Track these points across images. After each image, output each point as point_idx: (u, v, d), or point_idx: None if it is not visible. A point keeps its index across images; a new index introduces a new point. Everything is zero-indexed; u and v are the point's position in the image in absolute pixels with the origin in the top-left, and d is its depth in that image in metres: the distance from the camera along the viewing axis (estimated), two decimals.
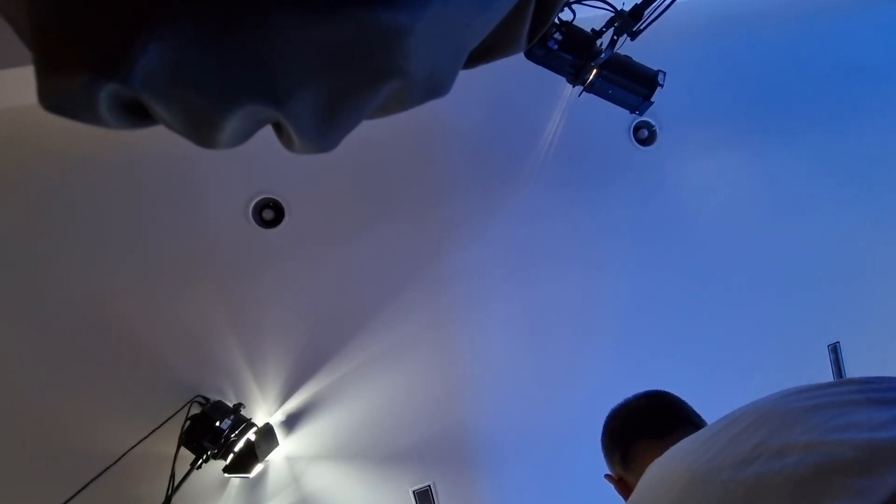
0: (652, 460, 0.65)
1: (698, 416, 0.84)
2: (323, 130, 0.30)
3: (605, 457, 0.85)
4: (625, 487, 0.79)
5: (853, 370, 2.55)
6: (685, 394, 0.83)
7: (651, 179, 2.39)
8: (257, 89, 0.25)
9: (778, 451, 0.43)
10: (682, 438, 0.74)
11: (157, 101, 0.25)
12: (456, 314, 2.23)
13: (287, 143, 0.33)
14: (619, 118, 2.27)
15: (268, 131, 0.37)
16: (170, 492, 1.64)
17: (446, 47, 0.29)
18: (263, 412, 2.05)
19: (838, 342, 2.54)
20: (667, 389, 0.89)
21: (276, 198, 2.09)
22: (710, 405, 0.80)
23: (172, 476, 1.68)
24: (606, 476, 0.83)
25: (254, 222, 2.06)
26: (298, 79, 0.26)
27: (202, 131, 0.28)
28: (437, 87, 0.31)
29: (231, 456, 1.81)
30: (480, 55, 0.35)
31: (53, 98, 0.24)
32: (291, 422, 2.09)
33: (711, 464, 0.48)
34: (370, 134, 2.01)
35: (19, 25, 0.24)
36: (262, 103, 0.26)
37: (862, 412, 0.44)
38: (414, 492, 2.18)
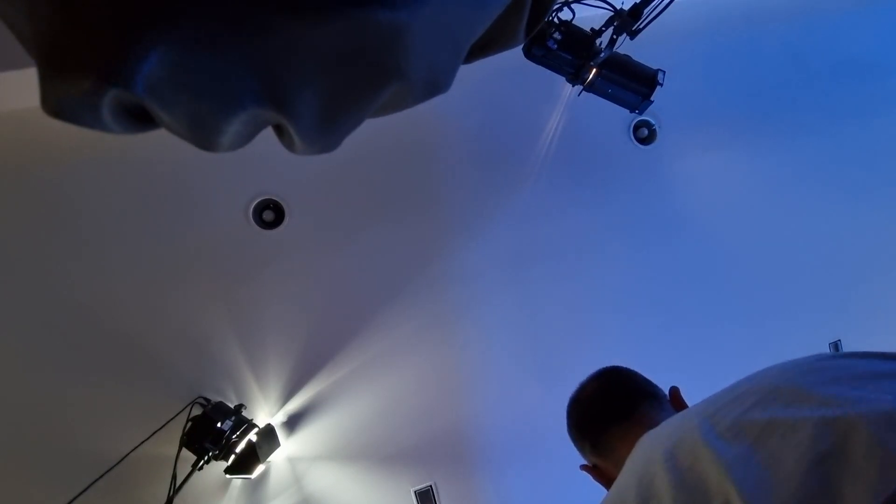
0: (626, 443, 0.65)
1: (653, 386, 0.83)
2: (324, 131, 0.30)
3: (576, 447, 0.84)
4: (601, 475, 0.79)
5: None
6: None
7: (651, 178, 2.39)
8: (259, 93, 0.25)
9: (791, 428, 0.44)
10: (647, 412, 0.75)
11: (159, 106, 0.25)
12: (456, 314, 2.23)
13: (288, 144, 0.33)
14: (618, 117, 2.27)
15: (269, 133, 0.37)
16: (171, 493, 1.64)
17: (445, 44, 0.29)
18: (265, 413, 2.06)
19: (839, 340, 2.54)
20: (622, 365, 0.89)
21: (277, 199, 2.09)
22: None
23: (174, 477, 1.68)
24: (582, 467, 0.82)
25: (254, 223, 2.06)
26: (300, 81, 0.26)
27: (204, 135, 0.28)
28: (437, 85, 0.31)
29: (232, 457, 1.81)
30: (479, 50, 0.35)
31: (57, 104, 0.24)
32: (293, 422, 2.09)
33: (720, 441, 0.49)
34: (370, 136, 2.02)
35: (21, 31, 0.24)
36: (263, 106, 0.26)
37: (879, 384, 0.45)
38: (415, 492, 2.18)
